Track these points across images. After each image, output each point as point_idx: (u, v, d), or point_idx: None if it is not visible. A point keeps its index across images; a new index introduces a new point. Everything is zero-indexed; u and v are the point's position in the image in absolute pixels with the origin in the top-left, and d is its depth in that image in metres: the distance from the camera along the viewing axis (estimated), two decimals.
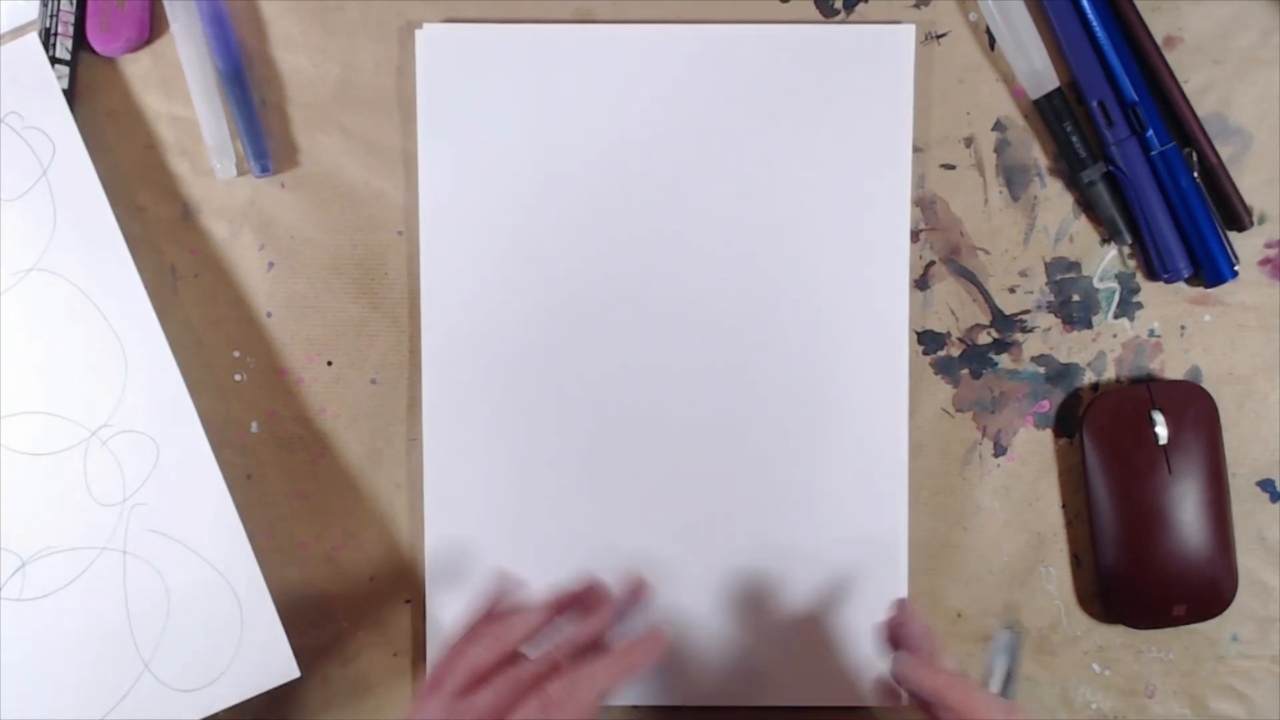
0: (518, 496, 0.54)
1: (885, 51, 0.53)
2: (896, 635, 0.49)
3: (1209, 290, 0.54)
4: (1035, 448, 0.55)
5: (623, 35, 0.53)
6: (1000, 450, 0.55)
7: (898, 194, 0.53)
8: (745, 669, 0.54)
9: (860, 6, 0.54)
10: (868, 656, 0.53)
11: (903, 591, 0.54)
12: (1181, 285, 0.54)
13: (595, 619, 0.48)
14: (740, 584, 0.54)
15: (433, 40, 0.53)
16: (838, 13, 0.54)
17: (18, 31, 0.53)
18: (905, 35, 0.53)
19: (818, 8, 0.54)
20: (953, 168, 0.54)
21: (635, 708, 0.55)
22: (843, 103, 0.53)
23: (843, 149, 0.53)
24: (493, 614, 0.47)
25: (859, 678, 0.54)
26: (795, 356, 0.54)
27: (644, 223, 0.54)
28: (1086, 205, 0.54)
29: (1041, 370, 0.55)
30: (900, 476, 0.54)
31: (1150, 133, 0.52)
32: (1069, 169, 0.53)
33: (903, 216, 0.53)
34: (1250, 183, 0.53)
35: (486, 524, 0.54)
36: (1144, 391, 0.53)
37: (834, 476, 0.54)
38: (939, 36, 0.54)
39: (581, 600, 0.49)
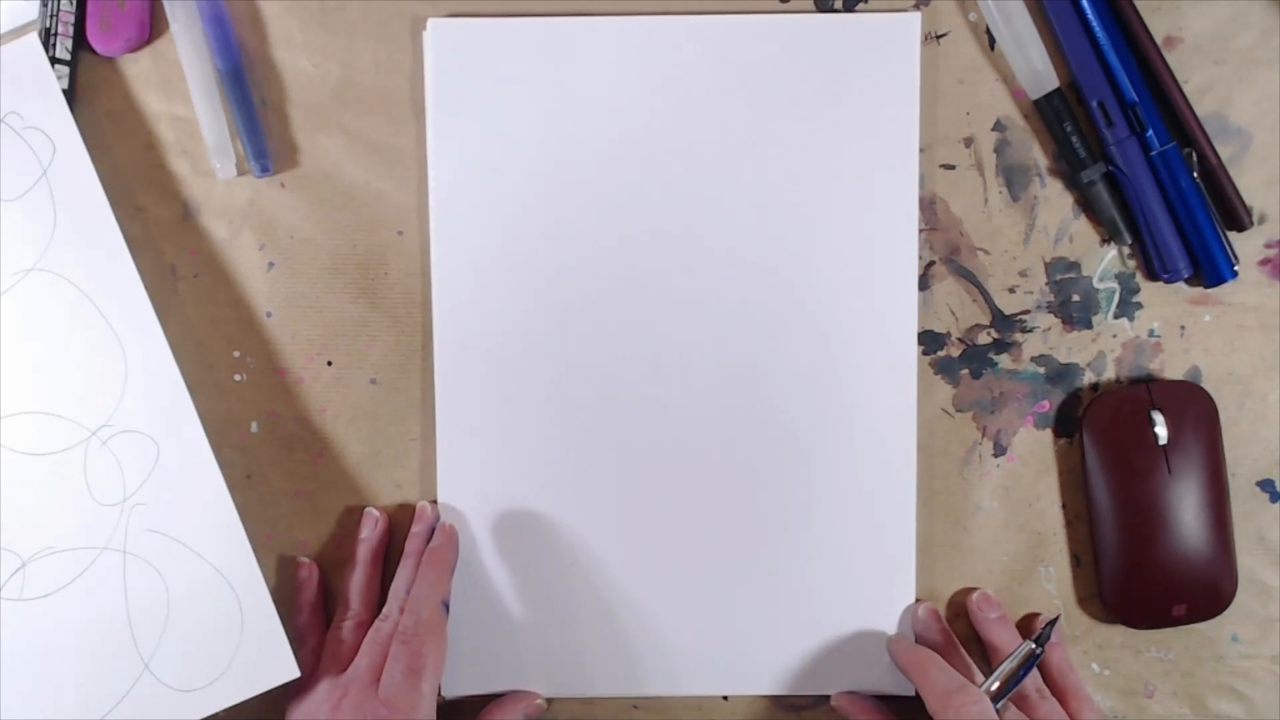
0: (530, 494, 0.54)
1: (891, 40, 0.53)
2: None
3: (1209, 290, 0.54)
4: (1035, 448, 0.55)
5: (632, 27, 0.53)
6: (1000, 450, 0.55)
7: (905, 186, 0.53)
8: (752, 660, 0.54)
9: (860, 7, 0.54)
10: (874, 651, 0.54)
11: (910, 588, 0.54)
12: (1181, 285, 0.54)
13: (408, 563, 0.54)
14: (749, 579, 0.54)
15: (441, 35, 0.53)
16: (837, 13, 0.54)
17: (18, 31, 0.53)
18: (911, 23, 0.53)
19: (817, 8, 0.54)
20: (953, 168, 0.54)
21: (636, 704, 0.55)
22: (850, 91, 0.53)
23: (850, 138, 0.53)
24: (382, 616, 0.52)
25: (865, 671, 0.54)
26: (802, 353, 0.54)
27: (654, 217, 0.54)
28: (1086, 205, 0.54)
29: (1041, 370, 0.55)
30: (908, 475, 0.54)
31: (1150, 133, 0.52)
32: (1069, 169, 0.53)
33: (910, 210, 0.53)
34: (1250, 183, 0.53)
35: (499, 521, 0.54)
36: (1144, 392, 0.53)
37: (841, 474, 0.54)
38: (939, 36, 0.54)
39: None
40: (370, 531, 0.54)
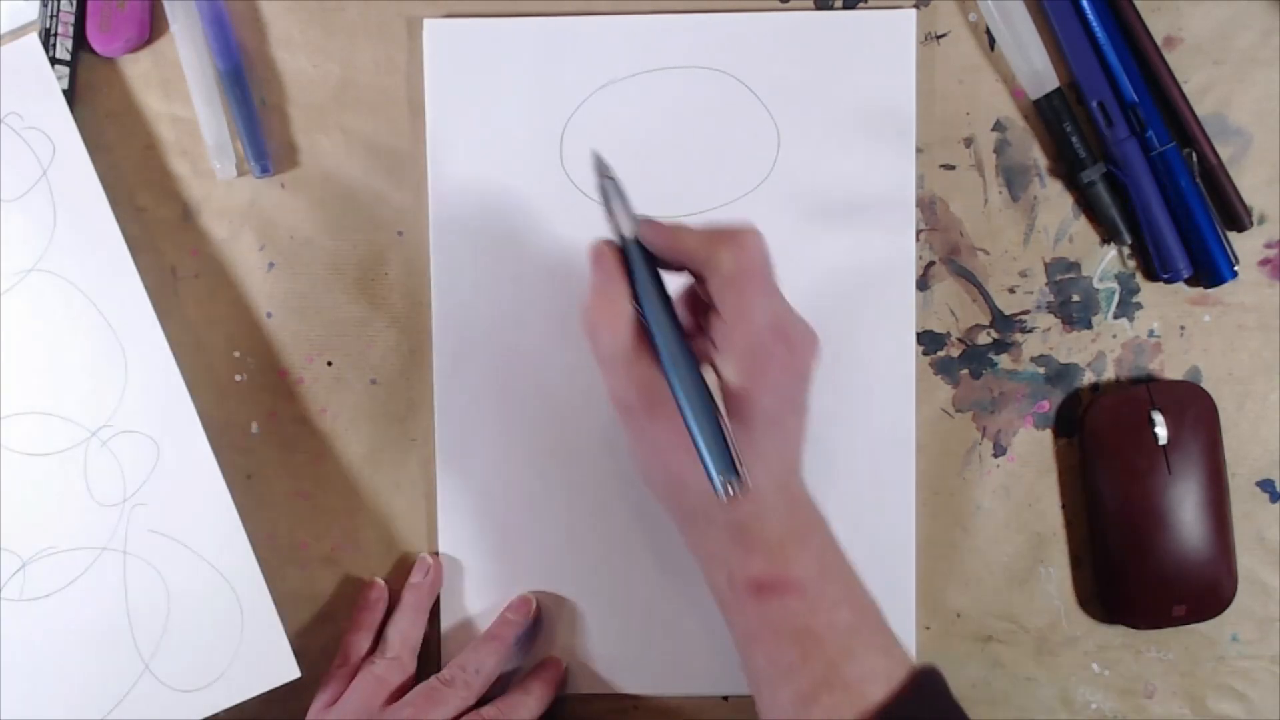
0: (529, 493, 0.54)
1: (888, 37, 0.53)
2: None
3: (1209, 291, 0.54)
4: (1035, 448, 0.55)
5: (630, 26, 0.53)
6: (1000, 450, 0.55)
7: (903, 183, 0.53)
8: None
9: (860, 7, 0.54)
10: None
11: (911, 588, 0.54)
12: (1181, 286, 0.54)
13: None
14: None
15: (439, 35, 0.53)
16: (835, 11, 0.54)
17: (18, 32, 0.53)
18: (906, 20, 0.53)
19: (817, 8, 0.54)
20: (953, 168, 0.54)
21: (636, 704, 0.55)
22: (848, 88, 0.53)
23: (849, 135, 0.53)
24: (444, 679, 0.52)
25: None
26: None
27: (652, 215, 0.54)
28: (1086, 205, 0.54)
29: (1041, 370, 0.55)
30: (908, 475, 0.54)
31: (1150, 133, 0.52)
32: (1069, 169, 0.53)
33: (908, 208, 0.53)
34: (1250, 183, 0.53)
35: (498, 524, 0.54)
36: (1144, 392, 0.53)
37: (841, 474, 0.54)
38: (939, 37, 0.54)
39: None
40: (421, 578, 0.54)
